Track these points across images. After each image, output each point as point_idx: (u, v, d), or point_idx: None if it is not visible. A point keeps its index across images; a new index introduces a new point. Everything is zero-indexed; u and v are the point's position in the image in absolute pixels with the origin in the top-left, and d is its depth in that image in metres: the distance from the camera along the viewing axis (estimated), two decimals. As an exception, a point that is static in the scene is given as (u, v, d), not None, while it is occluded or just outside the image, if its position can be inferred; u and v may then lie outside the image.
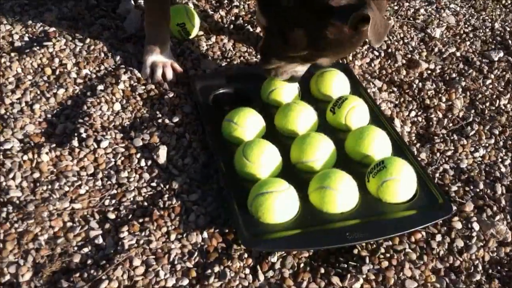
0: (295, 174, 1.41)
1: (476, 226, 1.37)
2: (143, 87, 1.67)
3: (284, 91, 1.61)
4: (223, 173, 1.39)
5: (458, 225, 1.37)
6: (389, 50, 1.94)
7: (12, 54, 1.71)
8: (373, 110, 1.60)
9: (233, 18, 2.03)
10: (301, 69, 1.53)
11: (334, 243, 1.28)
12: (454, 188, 1.46)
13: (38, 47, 1.74)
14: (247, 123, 1.48)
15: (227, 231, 1.32)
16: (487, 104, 1.74)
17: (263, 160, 1.37)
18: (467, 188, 1.47)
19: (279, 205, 1.27)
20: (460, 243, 1.34)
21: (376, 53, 1.92)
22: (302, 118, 1.51)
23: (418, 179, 1.38)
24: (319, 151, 1.41)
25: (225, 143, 1.48)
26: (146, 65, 1.72)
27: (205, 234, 1.30)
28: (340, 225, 1.29)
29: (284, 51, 1.44)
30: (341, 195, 1.31)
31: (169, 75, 1.71)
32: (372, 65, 1.88)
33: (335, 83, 1.65)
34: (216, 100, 1.64)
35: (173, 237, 1.29)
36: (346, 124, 1.53)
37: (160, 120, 1.57)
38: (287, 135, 1.52)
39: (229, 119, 1.49)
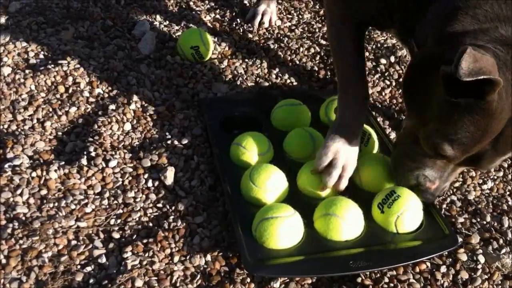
0: (301, 199, 1.41)
1: (481, 259, 1.36)
2: (154, 108, 1.69)
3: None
4: (229, 196, 1.40)
5: (464, 257, 1.36)
6: (401, 79, 1.94)
7: (27, 71, 1.73)
8: (381, 138, 1.60)
9: (246, 42, 2.05)
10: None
11: (338, 271, 1.27)
12: (461, 219, 1.45)
13: (52, 65, 1.76)
14: (255, 148, 1.49)
15: (230, 255, 1.32)
16: (497, 136, 1.73)
17: (269, 185, 1.37)
18: (473, 220, 1.46)
19: (284, 231, 1.27)
20: (464, 275, 1.32)
21: (388, 82, 1.92)
22: (311, 144, 1.52)
23: (425, 210, 1.37)
24: None
25: (233, 167, 1.49)
26: (258, 12, 2.14)
27: (209, 257, 1.31)
28: (344, 253, 1.29)
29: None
30: (346, 223, 1.30)
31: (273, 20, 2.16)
32: (383, 94, 1.88)
33: None
34: (225, 123, 1.65)
35: (176, 259, 1.29)
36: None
37: (169, 142, 1.58)
38: (295, 160, 1.53)
39: (237, 143, 1.50)
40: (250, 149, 1.48)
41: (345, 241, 1.31)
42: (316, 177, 1.41)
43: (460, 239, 1.39)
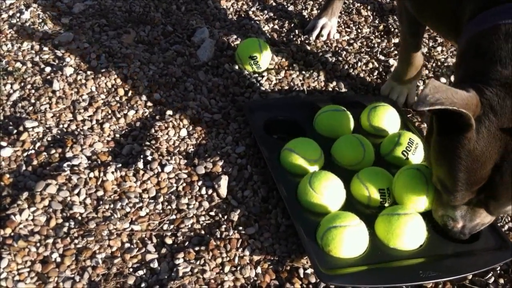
0: (355, 207, 1.41)
1: (539, 291, 1.32)
2: (210, 115, 1.69)
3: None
4: (287, 202, 1.39)
5: (521, 288, 1.32)
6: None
7: (88, 72, 1.76)
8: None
9: (304, 54, 2.04)
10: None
11: (409, 281, 1.26)
12: (519, 248, 1.41)
13: (113, 68, 1.79)
14: (309, 153, 1.48)
15: (281, 269, 1.31)
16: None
17: (330, 192, 1.37)
18: (532, 250, 1.42)
19: (352, 240, 1.27)
20: (521, 307, 1.29)
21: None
22: (361, 151, 1.52)
23: None
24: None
25: (285, 172, 1.48)
26: (318, 24, 2.14)
27: (259, 270, 1.30)
28: (412, 263, 1.29)
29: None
30: (405, 238, 1.30)
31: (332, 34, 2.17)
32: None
33: (387, 118, 1.65)
34: (267, 127, 1.64)
35: (227, 269, 1.29)
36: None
37: (223, 150, 1.58)
38: (345, 167, 1.53)
39: (290, 148, 1.49)
40: (303, 155, 1.47)
41: (410, 250, 1.31)
42: (372, 184, 1.41)
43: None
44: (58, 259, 1.26)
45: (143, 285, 1.23)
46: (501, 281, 1.33)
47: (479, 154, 1.08)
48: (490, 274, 1.34)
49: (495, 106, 1.07)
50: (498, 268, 1.36)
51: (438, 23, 1.45)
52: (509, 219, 1.49)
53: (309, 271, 1.31)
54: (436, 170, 1.21)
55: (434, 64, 2.04)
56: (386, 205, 1.40)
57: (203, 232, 1.37)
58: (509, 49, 1.11)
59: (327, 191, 1.37)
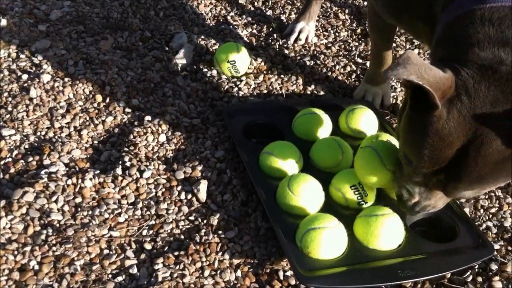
0: (334, 209, 1.41)
1: (517, 288, 1.33)
2: (189, 120, 1.69)
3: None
4: (266, 205, 1.39)
5: (499, 285, 1.33)
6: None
7: (66, 79, 1.75)
8: None
9: (282, 58, 2.05)
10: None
11: (388, 281, 1.27)
12: (497, 246, 1.43)
13: (91, 74, 1.78)
14: (287, 156, 1.49)
15: (261, 271, 1.31)
16: (536, 163, 1.70)
17: (308, 194, 1.38)
18: (509, 248, 1.43)
19: (330, 241, 1.28)
20: (499, 304, 1.30)
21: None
22: (339, 153, 1.53)
23: (462, 219, 1.42)
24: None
25: (264, 175, 1.49)
26: (296, 29, 2.17)
27: (239, 273, 1.30)
28: (391, 263, 1.30)
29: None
30: (383, 238, 1.32)
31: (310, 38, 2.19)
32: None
33: (365, 120, 1.66)
34: (245, 132, 1.64)
35: (206, 273, 1.29)
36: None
37: (202, 154, 1.58)
38: (323, 169, 1.53)
39: (269, 151, 1.50)
40: (282, 158, 1.48)
41: (389, 250, 1.32)
42: (349, 186, 1.43)
43: (495, 266, 1.36)
44: (36, 267, 1.25)
45: (122, 291, 1.23)
46: (479, 279, 1.34)
47: (446, 134, 1.07)
48: (469, 273, 1.35)
49: (470, 88, 1.06)
50: (476, 267, 1.37)
51: (412, 21, 1.45)
52: (487, 217, 1.51)
53: (289, 273, 1.31)
54: (403, 144, 1.21)
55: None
56: (365, 202, 1.41)
57: (182, 236, 1.37)
58: (486, 32, 1.10)
59: (306, 194, 1.37)
